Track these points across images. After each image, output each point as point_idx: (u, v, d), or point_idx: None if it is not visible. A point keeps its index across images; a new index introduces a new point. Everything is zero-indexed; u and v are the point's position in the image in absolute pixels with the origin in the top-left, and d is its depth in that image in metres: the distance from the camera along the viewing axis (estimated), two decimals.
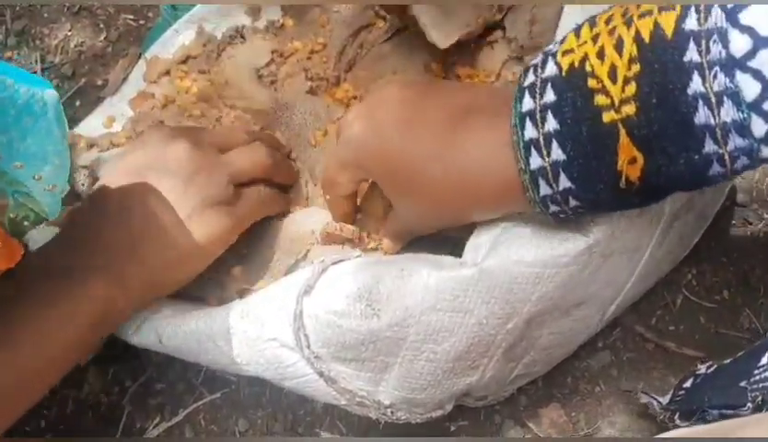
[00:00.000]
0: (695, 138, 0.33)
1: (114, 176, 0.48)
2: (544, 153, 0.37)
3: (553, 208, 0.39)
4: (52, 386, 0.44)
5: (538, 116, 0.37)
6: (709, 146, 0.33)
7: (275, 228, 0.53)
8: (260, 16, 0.65)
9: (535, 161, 0.37)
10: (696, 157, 0.34)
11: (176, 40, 0.64)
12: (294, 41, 0.61)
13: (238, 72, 0.60)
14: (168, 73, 0.63)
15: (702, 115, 0.33)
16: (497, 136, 0.39)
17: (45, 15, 0.69)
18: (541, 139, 0.37)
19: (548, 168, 0.37)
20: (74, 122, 0.61)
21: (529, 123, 0.37)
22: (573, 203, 0.38)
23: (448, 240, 0.52)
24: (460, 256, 0.48)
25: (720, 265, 0.55)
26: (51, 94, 0.37)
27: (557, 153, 0.36)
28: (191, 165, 0.47)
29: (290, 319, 0.43)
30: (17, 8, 0.69)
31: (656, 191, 0.37)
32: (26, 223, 0.37)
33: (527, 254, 0.41)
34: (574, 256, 0.41)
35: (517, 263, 0.41)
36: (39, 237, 0.49)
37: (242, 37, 0.63)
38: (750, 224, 0.56)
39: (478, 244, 0.43)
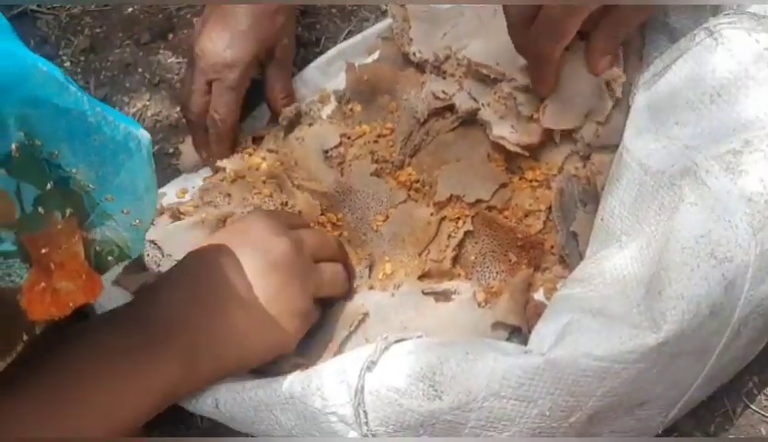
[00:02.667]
0: None
1: (201, 253, 0.49)
2: None
3: None
4: None
5: None
6: None
7: (328, 308, 0.54)
8: (329, 101, 0.68)
9: None
10: None
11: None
12: (362, 125, 0.64)
13: (306, 153, 0.62)
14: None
15: None
16: None
17: (127, 85, 0.72)
18: None
19: None
20: None
21: None
22: None
23: (504, 328, 0.52)
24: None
25: None
26: (145, 134, 0.38)
27: None
28: (289, 271, 0.49)
29: (351, 395, 0.43)
30: (101, 77, 0.73)
31: None
32: (110, 258, 0.38)
33: (596, 348, 0.41)
34: (643, 353, 0.41)
35: (586, 356, 0.41)
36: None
37: (312, 119, 0.66)
38: None
39: (545, 333, 0.43)
